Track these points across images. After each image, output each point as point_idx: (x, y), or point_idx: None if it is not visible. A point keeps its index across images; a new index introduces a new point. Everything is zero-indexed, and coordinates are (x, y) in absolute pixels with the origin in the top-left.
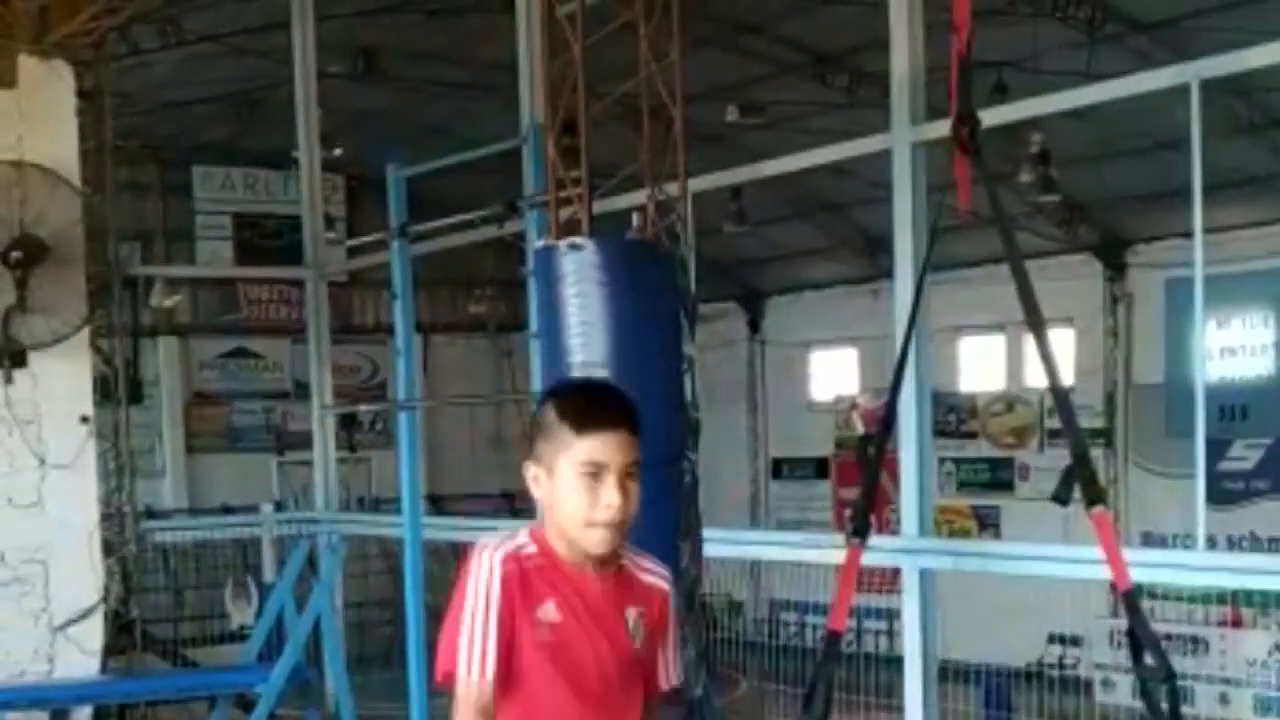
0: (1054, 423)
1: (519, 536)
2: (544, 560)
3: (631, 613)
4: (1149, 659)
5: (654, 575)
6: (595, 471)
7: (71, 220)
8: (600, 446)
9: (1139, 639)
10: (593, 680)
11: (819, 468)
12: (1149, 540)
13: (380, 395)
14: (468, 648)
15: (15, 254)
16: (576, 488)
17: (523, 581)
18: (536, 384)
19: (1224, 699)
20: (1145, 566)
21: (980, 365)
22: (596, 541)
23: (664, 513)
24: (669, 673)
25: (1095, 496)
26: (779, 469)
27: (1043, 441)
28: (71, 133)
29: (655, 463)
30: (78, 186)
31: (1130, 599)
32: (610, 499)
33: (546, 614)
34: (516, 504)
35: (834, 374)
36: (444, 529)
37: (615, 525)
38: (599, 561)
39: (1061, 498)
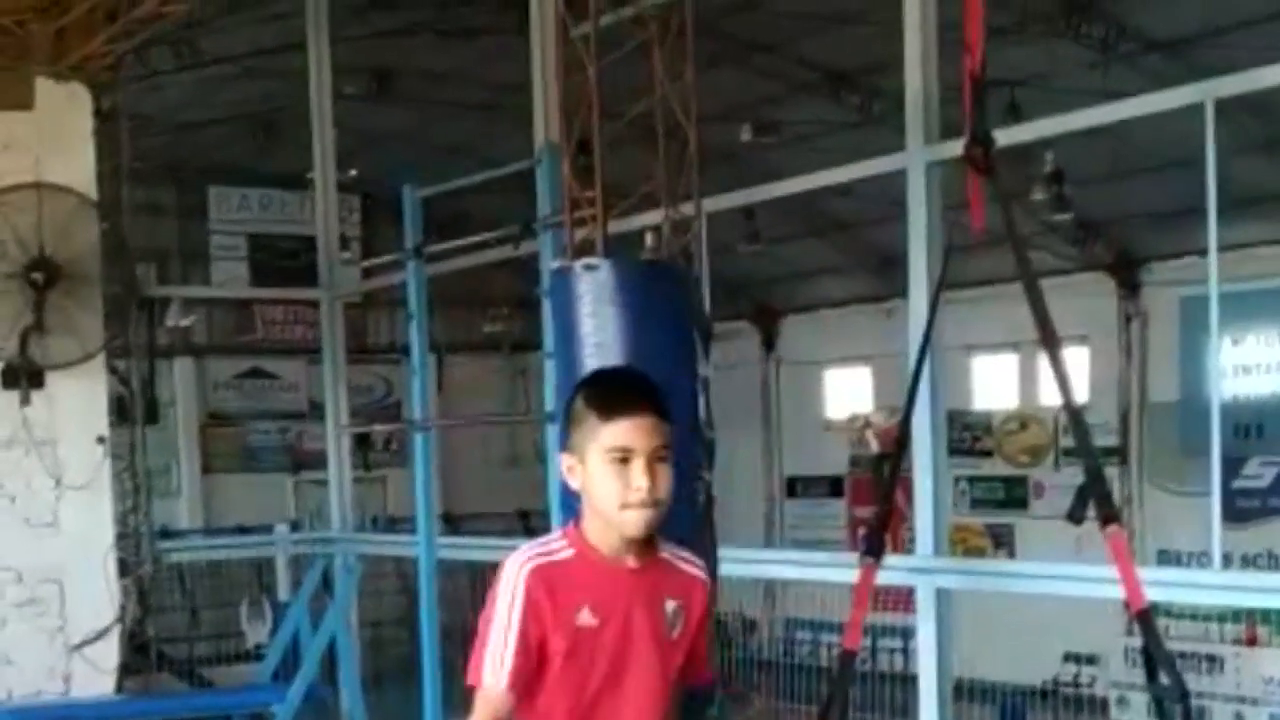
0: (1068, 441)
1: (550, 541)
2: (578, 559)
3: (671, 604)
4: (1164, 678)
5: (693, 566)
6: (624, 456)
7: (89, 241)
8: (626, 431)
9: (1154, 658)
10: (633, 676)
11: (833, 486)
12: (1164, 559)
13: (395, 415)
14: (491, 655)
15: (36, 275)
16: (607, 473)
17: (552, 589)
18: (550, 404)
19: (1239, 718)
20: (1161, 585)
21: (994, 383)
22: (633, 523)
23: (680, 532)
24: (706, 666)
25: (1110, 515)
26: (793, 487)
27: (1057, 460)
28: (89, 154)
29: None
30: (96, 208)
31: (1145, 618)
32: (640, 482)
33: (584, 619)
34: (531, 522)
35: (848, 392)
36: (459, 548)
37: (649, 506)
38: (638, 549)
39: (1076, 516)
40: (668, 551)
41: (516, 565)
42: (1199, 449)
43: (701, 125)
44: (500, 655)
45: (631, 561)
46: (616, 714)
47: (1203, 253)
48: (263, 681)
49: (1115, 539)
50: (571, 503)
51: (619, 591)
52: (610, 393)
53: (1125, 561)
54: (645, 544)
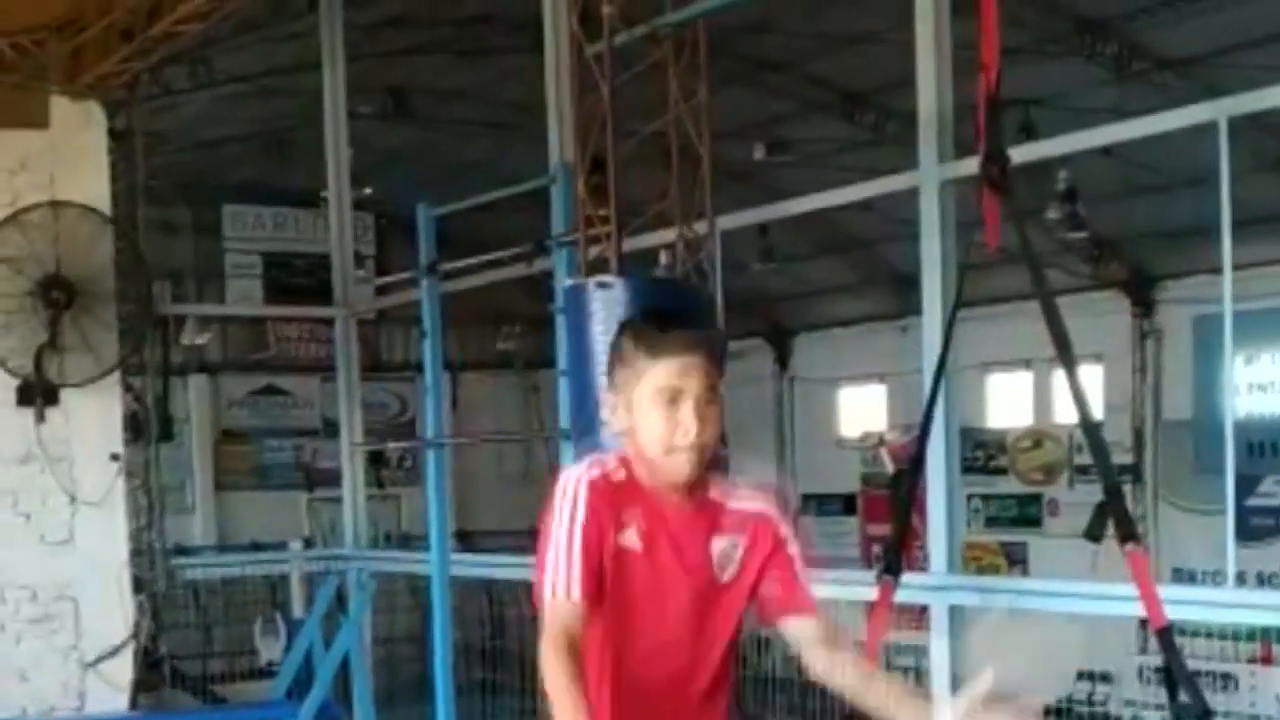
0: (1082, 459)
1: (606, 460)
2: (630, 484)
3: (720, 542)
4: (1184, 696)
5: (751, 500)
6: (673, 397)
7: (104, 259)
8: (676, 371)
9: (1174, 676)
10: (674, 616)
11: (847, 504)
12: (1178, 576)
13: (409, 432)
14: (553, 569)
15: (55, 293)
16: (655, 414)
17: (610, 500)
18: (564, 421)
19: None
20: (1175, 604)
21: (1008, 401)
22: (679, 466)
23: None
24: (804, 595)
25: (1128, 533)
26: (807, 505)
27: (1071, 478)
28: (104, 173)
29: None
30: (111, 226)
31: (1165, 636)
32: (689, 423)
33: (629, 540)
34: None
35: (862, 411)
36: (472, 566)
37: (697, 449)
38: (685, 489)
39: (1094, 534)
40: (719, 490)
41: (575, 476)
42: (1213, 467)
43: (715, 144)
44: (565, 567)
45: (677, 500)
46: (657, 655)
47: (1216, 271)
48: (276, 698)
49: (1134, 557)
50: None
51: (664, 526)
52: (660, 331)
53: (1145, 580)
54: (694, 484)
